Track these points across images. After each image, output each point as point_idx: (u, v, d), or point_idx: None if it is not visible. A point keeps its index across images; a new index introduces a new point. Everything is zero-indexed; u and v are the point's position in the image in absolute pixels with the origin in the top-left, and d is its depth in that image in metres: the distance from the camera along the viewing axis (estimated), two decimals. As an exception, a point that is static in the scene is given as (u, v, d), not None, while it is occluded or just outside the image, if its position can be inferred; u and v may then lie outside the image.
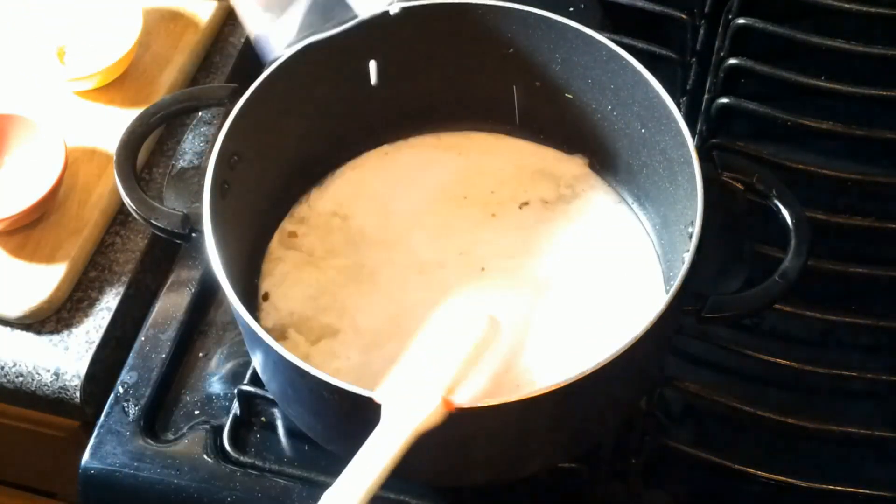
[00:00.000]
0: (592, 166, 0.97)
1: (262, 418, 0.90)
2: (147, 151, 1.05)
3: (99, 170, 1.02)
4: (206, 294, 0.97)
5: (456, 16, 0.92)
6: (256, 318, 0.86)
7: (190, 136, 1.01)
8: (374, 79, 0.95)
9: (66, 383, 0.94)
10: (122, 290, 0.98)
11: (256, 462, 0.88)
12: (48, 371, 0.95)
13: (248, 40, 1.14)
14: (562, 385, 0.72)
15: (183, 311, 0.96)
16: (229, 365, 0.94)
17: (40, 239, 0.98)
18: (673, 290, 0.76)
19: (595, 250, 0.93)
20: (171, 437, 0.90)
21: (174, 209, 0.85)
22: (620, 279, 0.91)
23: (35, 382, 0.95)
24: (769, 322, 0.94)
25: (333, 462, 0.87)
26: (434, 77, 0.96)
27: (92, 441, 0.90)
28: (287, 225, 0.94)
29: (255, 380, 0.89)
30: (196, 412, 0.91)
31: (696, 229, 0.79)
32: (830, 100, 1.05)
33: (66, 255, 0.97)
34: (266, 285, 0.91)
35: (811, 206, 0.93)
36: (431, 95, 0.97)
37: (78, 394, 0.94)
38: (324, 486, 0.70)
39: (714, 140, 1.02)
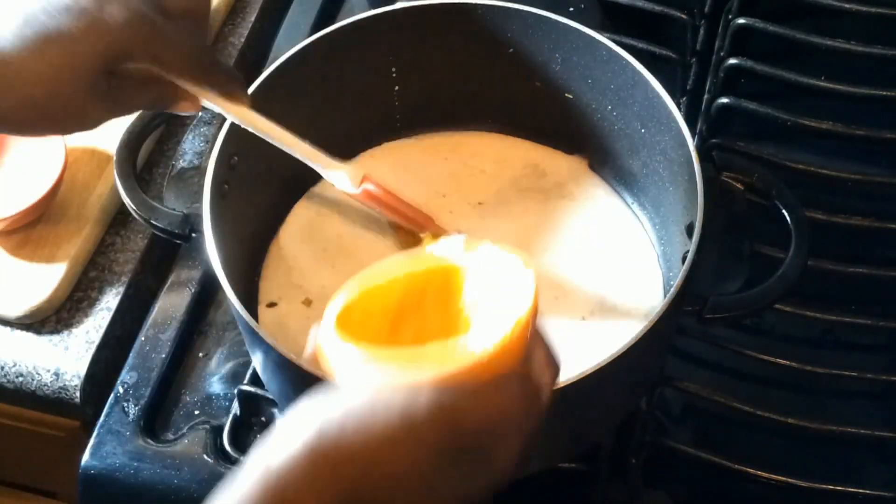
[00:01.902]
0: (592, 166, 0.97)
1: (262, 418, 0.90)
2: (147, 151, 1.05)
3: (99, 170, 1.02)
4: (206, 294, 0.97)
5: (456, 16, 0.92)
6: (256, 319, 0.86)
7: (190, 136, 1.01)
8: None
9: (66, 383, 0.94)
10: (122, 290, 0.98)
11: (256, 462, 0.87)
12: (48, 371, 0.95)
13: (247, 40, 1.15)
14: (562, 385, 0.72)
15: (183, 311, 0.96)
16: (229, 365, 0.94)
17: (40, 239, 0.98)
18: (673, 290, 0.76)
19: (595, 250, 0.93)
20: (171, 437, 0.90)
21: (174, 209, 0.85)
22: (620, 279, 0.91)
23: (35, 382, 0.95)
24: (769, 322, 0.94)
25: (333, 462, 0.87)
26: (434, 77, 0.96)
27: (92, 441, 0.90)
28: (265, 294, 0.91)
29: (255, 380, 0.89)
30: (196, 412, 0.91)
31: (697, 229, 0.79)
32: (830, 100, 1.05)
33: (66, 255, 0.97)
34: (270, 296, 0.91)
35: (811, 206, 0.94)
36: (431, 95, 0.97)
37: (78, 394, 0.94)
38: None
39: (714, 140, 1.02)
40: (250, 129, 0.82)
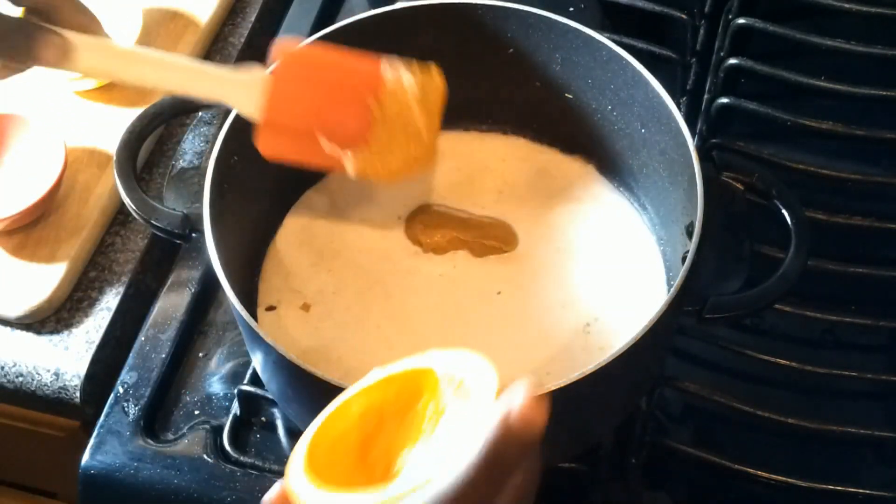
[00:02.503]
0: (592, 167, 0.97)
1: (262, 418, 0.90)
2: (147, 151, 1.05)
3: (99, 170, 1.02)
4: (206, 294, 0.97)
5: (456, 16, 0.92)
6: (256, 319, 0.86)
7: (190, 136, 1.01)
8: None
9: (66, 383, 0.94)
10: (122, 290, 0.98)
11: (256, 462, 0.88)
12: (48, 371, 0.95)
13: (247, 40, 1.15)
14: (562, 385, 0.72)
15: (183, 311, 0.96)
16: (229, 365, 0.94)
17: (40, 239, 0.98)
18: (673, 290, 0.76)
19: (595, 250, 0.93)
20: (171, 437, 0.90)
21: (174, 209, 0.85)
22: (621, 279, 0.91)
23: (35, 382, 0.95)
24: (769, 322, 0.94)
25: (333, 462, 0.87)
26: (434, 77, 0.96)
27: (92, 441, 0.90)
28: (263, 297, 0.91)
29: (255, 380, 0.89)
30: (196, 412, 0.91)
31: (697, 229, 0.79)
32: (830, 100, 1.05)
33: (66, 255, 0.97)
34: (269, 300, 0.91)
35: (811, 206, 0.94)
36: (431, 95, 0.97)
37: (78, 394, 0.94)
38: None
39: (714, 140, 1.02)
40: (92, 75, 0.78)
